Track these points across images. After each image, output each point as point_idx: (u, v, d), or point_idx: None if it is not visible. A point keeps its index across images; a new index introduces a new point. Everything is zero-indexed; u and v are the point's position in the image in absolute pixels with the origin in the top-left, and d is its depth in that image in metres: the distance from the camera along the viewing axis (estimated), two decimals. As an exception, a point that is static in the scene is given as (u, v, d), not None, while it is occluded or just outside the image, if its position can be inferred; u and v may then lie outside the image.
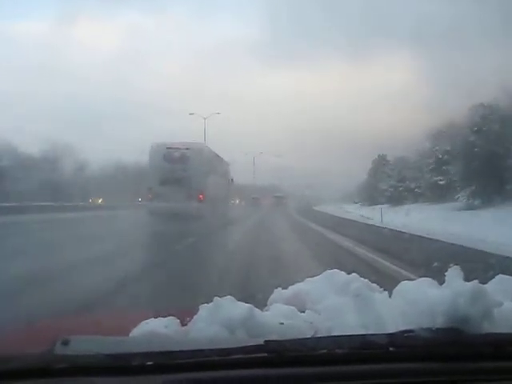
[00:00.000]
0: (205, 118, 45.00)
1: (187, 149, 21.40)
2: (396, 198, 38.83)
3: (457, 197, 26.97)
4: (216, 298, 1.30)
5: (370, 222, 23.75)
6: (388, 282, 1.65)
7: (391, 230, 17.75)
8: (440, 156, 33.02)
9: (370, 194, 46.59)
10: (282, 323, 1.25)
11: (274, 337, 1.19)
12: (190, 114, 45.95)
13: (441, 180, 32.35)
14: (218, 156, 27.20)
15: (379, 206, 33.28)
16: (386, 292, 1.46)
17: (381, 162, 48.67)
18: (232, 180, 32.22)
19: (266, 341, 1.14)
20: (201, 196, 20.89)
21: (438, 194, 32.29)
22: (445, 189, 31.29)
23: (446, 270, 1.35)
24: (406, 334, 1.19)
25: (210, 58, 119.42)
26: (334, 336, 1.20)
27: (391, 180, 41.54)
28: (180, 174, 20.61)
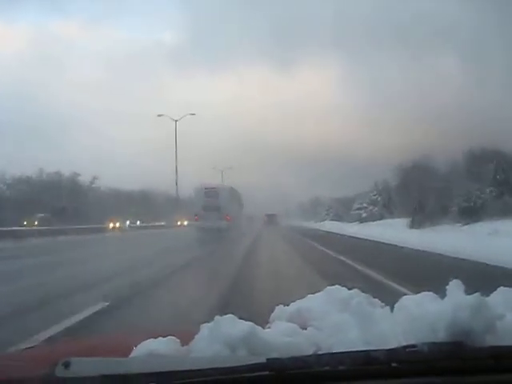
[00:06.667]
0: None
1: (218, 188, 34.68)
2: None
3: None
4: (217, 317, 1.29)
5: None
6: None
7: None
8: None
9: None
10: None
11: (275, 354, 1.18)
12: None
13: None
14: (236, 190, 41.35)
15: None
16: (388, 307, 1.45)
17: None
18: (243, 205, 47.16)
19: (267, 359, 1.13)
20: (228, 217, 33.13)
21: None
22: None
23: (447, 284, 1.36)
24: (407, 349, 1.18)
25: (123, 65, 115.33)
26: (336, 353, 1.19)
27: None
28: (215, 204, 32.53)
